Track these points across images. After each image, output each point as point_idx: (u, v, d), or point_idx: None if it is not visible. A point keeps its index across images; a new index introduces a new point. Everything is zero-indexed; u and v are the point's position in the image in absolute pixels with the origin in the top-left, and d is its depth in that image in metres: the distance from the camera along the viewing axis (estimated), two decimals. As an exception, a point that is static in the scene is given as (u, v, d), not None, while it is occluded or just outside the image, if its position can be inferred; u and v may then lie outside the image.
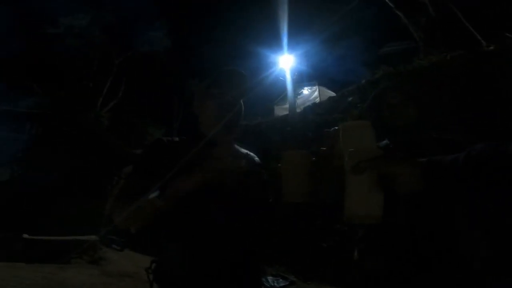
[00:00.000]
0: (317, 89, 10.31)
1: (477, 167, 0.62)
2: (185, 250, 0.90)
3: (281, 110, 11.05)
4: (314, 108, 8.27)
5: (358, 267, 1.03)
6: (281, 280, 4.88)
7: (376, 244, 0.97)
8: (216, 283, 0.88)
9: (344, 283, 4.31)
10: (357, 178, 0.67)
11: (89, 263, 4.85)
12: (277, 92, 11.65)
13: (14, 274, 3.54)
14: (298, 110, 8.86)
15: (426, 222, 0.90)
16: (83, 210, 6.48)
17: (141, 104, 14.38)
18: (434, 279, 0.85)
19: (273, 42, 9.60)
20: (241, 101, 1.09)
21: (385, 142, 1.09)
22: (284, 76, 9.66)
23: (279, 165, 0.88)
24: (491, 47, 4.44)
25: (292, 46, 9.24)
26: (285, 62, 9.42)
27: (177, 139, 1.07)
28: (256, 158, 1.17)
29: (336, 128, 0.88)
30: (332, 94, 9.47)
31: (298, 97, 10.45)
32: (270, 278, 4.80)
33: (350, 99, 7.08)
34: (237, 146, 1.15)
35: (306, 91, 10.78)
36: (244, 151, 1.16)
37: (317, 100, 9.72)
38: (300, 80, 10.59)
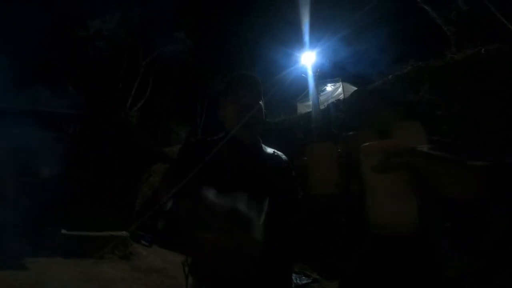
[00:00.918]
0: (341, 85, 10.03)
1: None
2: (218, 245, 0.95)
3: (304, 107, 10.91)
4: (338, 104, 8.08)
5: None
6: (304, 277, 4.89)
7: None
8: (247, 277, 0.91)
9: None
10: (383, 180, 0.57)
11: (121, 258, 5.18)
12: (300, 89, 11.50)
13: (53, 269, 3.87)
14: (321, 107, 8.70)
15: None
16: (115, 206, 6.87)
17: (167, 103, 14.85)
18: None
19: (295, 39, 9.48)
20: (259, 102, 1.11)
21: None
22: (306, 73, 9.51)
23: (304, 158, 0.89)
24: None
25: (314, 42, 9.07)
26: (307, 59, 9.26)
27: (208, 139, 1.11)
28: (284, 156, 1.20)
29: (353, 133, 0.88)
30: (357, 90, 9.17)
31: (321, 93, 10.25)
32: (293, 275, 4.82)
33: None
34: (263, 146, 1.18)
35: (329, 87, 10.53)
36: (271, 150, 1.19)
37: (341, 96, 9.46)
38: (323, 76, 10.36)
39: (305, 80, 10.00)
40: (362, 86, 8.64)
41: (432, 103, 4.93)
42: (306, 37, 8.86)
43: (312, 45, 9.08)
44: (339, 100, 8.67)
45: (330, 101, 9.00)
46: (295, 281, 4.70)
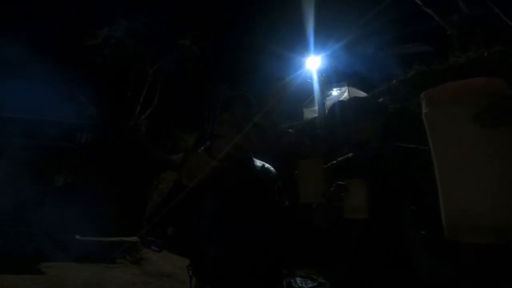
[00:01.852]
0: (347, 90, 10.05)
1: None
2: (217, 250, 1.05)
3: (310, 112, 10.94)
4: (343, 109, 8.08)
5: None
6: (309, 281, 4.88)
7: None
8: (244, 278, 1.02)
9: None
10: (480, 142, 0.32)
11: (132, 263, 5.30)
12: (305, 94, 11.56)
13: (68, 274, 4.02)
14: (327, 112, 8.71)
15: None
16: (125, 213, 7.02)
17: (174, 110, 15.08)
18: None
19: (300, 44, 9.57)
20: (257, 120, 1.20)
21: None
22: (312, 78, 9.58)
23: (296, 172, 1.01)
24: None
25: (319, 47, 9.14)
26: (313, 64, 9.33)
27: None
28: (272, 169, 1.31)
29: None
30: (363, 94, 9.19)
31: (327, 98, 10.28)
32: (298, 279, 4.81)
33: (381, 99, 6.85)
34: (254, 158, 1.28)
35: (335, 92, 10.56)
36: (260, 163, 1.29)
37: (347, 101, 9.45)
38: (329, 81, 10.41)
39: (310, 85, 10.07)
40: (368, 90, 8.67)
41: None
42: (311, 42, 8.94)
43: (318, 50, 9.15)
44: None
45: (336, 106, 8.99)
46: (300, 285, 4.71)
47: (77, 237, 5.29)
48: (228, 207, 1.08)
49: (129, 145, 8.68)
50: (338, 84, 10.58)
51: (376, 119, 1.14)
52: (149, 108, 14.75)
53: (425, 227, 0.88)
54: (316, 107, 9.38)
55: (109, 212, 6.73)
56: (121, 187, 7.64)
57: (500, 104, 0.31)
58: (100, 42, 13.73)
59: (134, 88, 14.59)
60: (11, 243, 4.86)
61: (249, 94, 1.23)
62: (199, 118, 16.83)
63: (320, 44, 9.22)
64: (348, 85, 10.25)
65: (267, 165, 1.30)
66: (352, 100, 1.31)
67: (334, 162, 1.23)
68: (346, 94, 10.02)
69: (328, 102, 10.16)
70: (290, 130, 1.17)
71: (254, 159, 1.29)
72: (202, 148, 0.99)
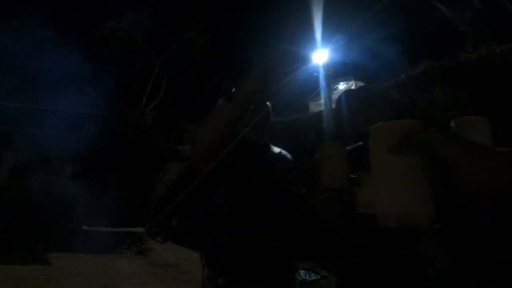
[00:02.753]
0: (353, 84, 9.94)
1: None
2: (230, 240, 1.04)
3: (316, 106, 10.87)
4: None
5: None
6: (313, 274, 4.94)
7: None
8: (257, 269, 1.02)
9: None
10: (397, 166, 0.51)
11: (137, 253, 5.43)
12: (312, 88, 11.46)
13: (75, 264, 4.13)
14: (333, 106, 8.64)
15: None
16: (131, 204, 7.13)
17: (180, 102, 15.12)
18: None
19: (307, 37, 9.41)
20: (266, 104, 1.17)
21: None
22: (318, 71, 9.47)
23: (316, 155, 0.94)
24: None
25: (326, 40, 8.99)
26: (319, 57, 9.20)
27: None
28: (289, 155, 1.27)
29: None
30: (370, 89, 9.04)
31: (334, 92, 10.18)
32: (302, 272, 4.86)
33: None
34: (271, 146, 1.25)
35: (342, 86, 10.45)
36: (277, 149, 1.26)
37: (354, 95, 9.34)
38: (335, 75, 10.28)
39: (317, 78, 9.96)
40: (372, 84, 8.53)
41: (445, 103, 4.86)
42: (318, 35, 8.79)
43: (324, 43, 9.00)
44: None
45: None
46: (304, 278, 4.77)
47: (84, 227, 5.41)
48: (242, 196, 1.05)
49: (135, 136, 8.75)
50: (345, 78, 10.46)
51: (385, 110, 1.08)
52: (155, 99, 14.80)
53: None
54: (322, 101, 9.30)
55: (115, 202, 6.85)
56: (127, 177, 7.74)
57: (404, 141, 0.48)
58: (107, 35, 13.73)
59: (141, 80, 14.63)
60: (18, 233, 4.98)
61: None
62: (204, 109, 16.81)
63: (328, 37, 9.06)
64: (355, 79, 10.12)
65: (284, 151, 1.26)
66: (360, 89, 1.25)
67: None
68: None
69: (334, 96, 10.07)
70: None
71: (272, 145, 1.26)
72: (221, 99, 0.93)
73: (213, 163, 0.95)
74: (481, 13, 5.41)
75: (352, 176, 0.84)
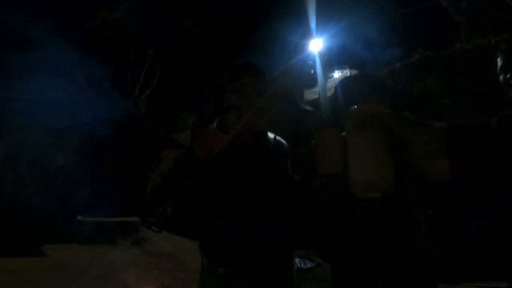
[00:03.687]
0: (348, 72, 9.85)
1: None
2: (230, 230, 1.04)
3: (311, 94, 10.79)
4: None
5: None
6: (308, 261, 5.04)
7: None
8: (257, 258, 1.02)
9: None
10: (362, 141, 0.61)
11: (132, 243, 5.46)
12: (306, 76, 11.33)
13: (71, 255, 4.15)
14: (328, 94, 8.60)
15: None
16: (125, 193, 7.14)
17: (174, 90, 14.92)
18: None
19: (302, 25, 9.25)
20: (264, 88, 1.15)
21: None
22: (313, 60, 9.35)
23: (313, 142, 0.97)
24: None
25: (320, 28, 8.84)
26: (314, 45, 9.08)
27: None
28: (283, 141, 1.26)
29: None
30: (365, 77, 8.98)
31: (329, 80, 10.10)
32: (297, 260, 4.93)
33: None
34: (268, 132, 1.24)
35: (337, 74, 10.36)
36: (272, 134, 1.25)
37: (349, 83, 9.28)
38: (330, 63, 10.18)
39: (312, 66, 9.82)
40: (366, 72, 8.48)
41: (439, 92, 4.88)
42: (313, 23, 8.63)
43: (319, 32, 8.86)
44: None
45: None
46: (299, 265, 4.84)
47: (79, 217, 5.41)
48: (242, 184, 1.04)
49: (129, 124, 8.66)
50: (340, 66, 10.35)
51: (384, 95, 1.11)
52: (149, 87, 14.58)
53: (431, 208, 0.87)
54: (317, 88, 9.21)
55: (110, 192, 6.85)
56: (122, 166, 7.71)
57: (365, 120, 0.53)
58: (99, 24, 13.33)
59: (134, 68, 14.35)
60: (13, 225, 4.95)
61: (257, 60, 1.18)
62: (199, 98, 16.65)
63: (322, 25, 8.90)
64: (350, 68, 10.03)
65: (278, 137, 1.25)
66: (361, 75, 1.26)
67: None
68: (348, 77, 9.82)
69: (330, 85, 9.98)
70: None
71: (268, 131, 1.24)
72: (214, 124, 0.97)
73: (215, 152, 0.96)
74: (476, 4, 5.37)
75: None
